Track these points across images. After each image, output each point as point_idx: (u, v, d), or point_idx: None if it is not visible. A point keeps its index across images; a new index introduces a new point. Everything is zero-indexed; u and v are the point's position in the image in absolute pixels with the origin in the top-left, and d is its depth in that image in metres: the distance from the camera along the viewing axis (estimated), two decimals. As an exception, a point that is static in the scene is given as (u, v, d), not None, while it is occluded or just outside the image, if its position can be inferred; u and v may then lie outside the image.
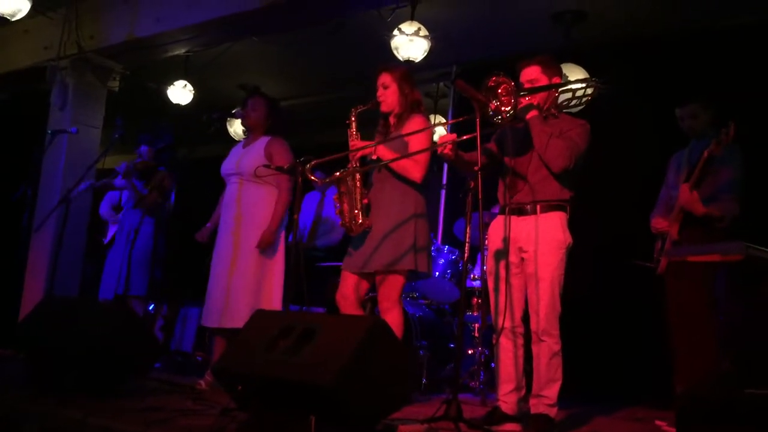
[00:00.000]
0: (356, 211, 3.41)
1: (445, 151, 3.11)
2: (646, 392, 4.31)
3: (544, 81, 3.25)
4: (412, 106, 3.52)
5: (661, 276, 3.65)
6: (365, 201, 3.40)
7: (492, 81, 3.03)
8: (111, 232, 5.54)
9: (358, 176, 3.44)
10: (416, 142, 3.42)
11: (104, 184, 5.33)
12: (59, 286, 5.27)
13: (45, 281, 5.80)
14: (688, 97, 3.76)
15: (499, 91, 3.03)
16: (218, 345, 3.96)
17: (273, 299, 3.89)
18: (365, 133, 3.57)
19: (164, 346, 6.01)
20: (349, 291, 3.49)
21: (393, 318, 3.33)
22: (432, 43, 5.06)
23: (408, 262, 3.35)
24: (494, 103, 3.03)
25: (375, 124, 3.67)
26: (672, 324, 3.60)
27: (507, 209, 3.26)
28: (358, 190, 3.41)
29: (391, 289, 3.39)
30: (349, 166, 3.44)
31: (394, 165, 3.38)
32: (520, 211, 3.23)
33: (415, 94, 3.55)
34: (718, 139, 3.35)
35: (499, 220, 3.31)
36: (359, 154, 3.41)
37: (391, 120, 3.54)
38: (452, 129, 5.86)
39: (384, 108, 3.53)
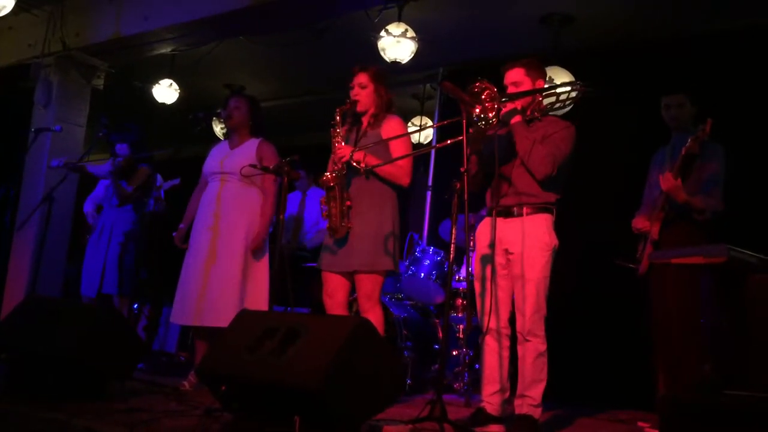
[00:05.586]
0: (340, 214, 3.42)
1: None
2: (630, 394, 4.33)
3: (527, 83, 3.27)
4: (387, 106, 3.55)
5: (644, 277, 3.66)
6: (348, 203, 3.42)
7: (476, 87, 3.05)
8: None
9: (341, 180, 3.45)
10: (398, 146, 3.46)
11: (81, 166, 5.17)
12: (42, 285, 5.22)
13: (27, 281, 5.74)
14: (676, 86, 3.76)
15: (483, 96, 3.05)
16: (200, 345, 3.94)
17: (260, 299, 3.87)
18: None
19: (147, 346, 5.96)
20: (334, 290, 3.50)
21: (374, 317, 3.36)
22: (419, 44, 5.07)
23: (388, 262, 3.40)
24: (479, 108, 3.05)
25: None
26: (656, 326, 3.62)
27: (494, 212, 3.27)
28: (342, 194, 3.42)
29: (372, 288, 3.42)
30: (335, 168, 3.44)
31: (381, 173, 3.41)
32: (507, 214, 3.25)
33: (389, 95, 3.59)
34: (695, 136, 3.40)
35: (487, 222, 3.33)
36: (345, 158, 3.41)
37: (365, 119, 3.55)
38: (439, 132, 5.91)
39: (360, 107, 3.54)
